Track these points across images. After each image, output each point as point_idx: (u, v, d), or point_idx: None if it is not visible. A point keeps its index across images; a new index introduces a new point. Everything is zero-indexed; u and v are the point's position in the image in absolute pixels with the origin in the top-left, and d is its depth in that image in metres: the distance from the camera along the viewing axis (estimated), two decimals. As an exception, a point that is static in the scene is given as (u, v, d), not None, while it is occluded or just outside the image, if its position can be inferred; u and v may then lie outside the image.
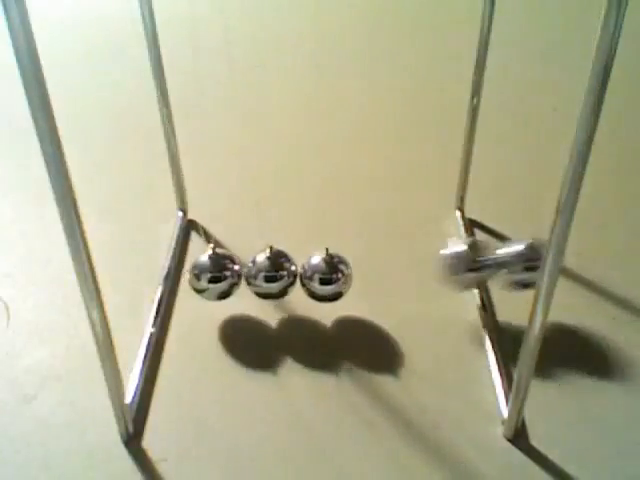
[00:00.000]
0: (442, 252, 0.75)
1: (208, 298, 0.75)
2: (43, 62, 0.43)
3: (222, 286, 0.74)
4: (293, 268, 0.74)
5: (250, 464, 0.62)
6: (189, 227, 0.93)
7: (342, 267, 0.74)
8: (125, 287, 0.82)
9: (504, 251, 0.74)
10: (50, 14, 1.67)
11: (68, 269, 0.52)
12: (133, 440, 0.63)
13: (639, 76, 1.33)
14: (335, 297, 0.74)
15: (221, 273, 0.73)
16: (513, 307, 0.77)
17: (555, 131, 1.13)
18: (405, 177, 1.04)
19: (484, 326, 0.75)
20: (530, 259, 0.72)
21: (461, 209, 0.94)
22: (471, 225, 0.92)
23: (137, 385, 0.68)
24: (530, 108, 1.22)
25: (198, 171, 0.99)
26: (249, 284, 0.74)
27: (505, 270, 0.73)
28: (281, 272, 0.73)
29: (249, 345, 0.74)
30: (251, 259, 0.74)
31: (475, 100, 0.84)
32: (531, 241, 0.74)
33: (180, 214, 0.93)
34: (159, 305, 0.79)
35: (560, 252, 0.50)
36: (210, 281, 0.73)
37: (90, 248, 0.51)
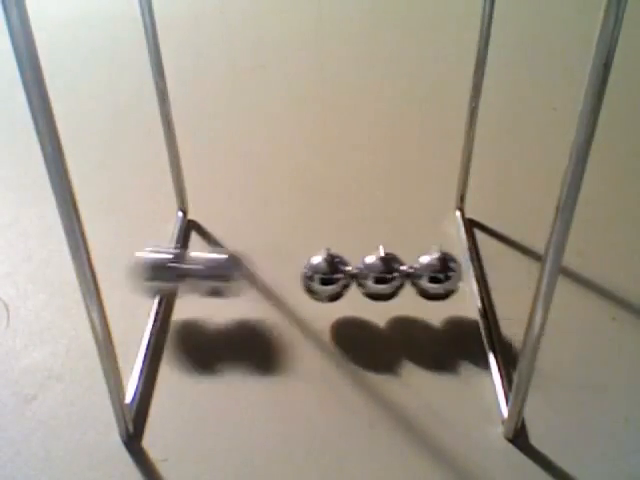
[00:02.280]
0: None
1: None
2: (43, 62, 0.43)
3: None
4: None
5: (250, 464, 0.62)
6: (189, 227, 0.93)
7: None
8: (125, 287, 0.82)
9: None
10: (50, 14, 1.67)
11: (68, 269, 0.52)
12: (133, 440, 0.63)
13: (639, 76, 1.33)
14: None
15: (333, 275, 0.74)
16: (513, 307, 0.77)
17: (555, 131, 1.13)
18: (405, 177, 1.04)
19: (484, 326, 0.75)
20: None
21: (461, 209, 0.94)
22: (471, 225, 0.92)
23: (137, 385, 0.68)
24: (530, 108, 1.22)
25: (198, 171, 0.99)
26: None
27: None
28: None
29: (249, 345, 0.74)
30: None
31: (475, 100, 0.84)
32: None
33: (180, 214, 0.93)
34: (159, 305, 0.79)
35: (560, 252, 0.50)
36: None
37: (90, 248, 0.51)
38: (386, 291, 0.74)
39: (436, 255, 0.74)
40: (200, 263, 0.74)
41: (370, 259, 0.74)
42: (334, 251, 0.75)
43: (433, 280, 0.73)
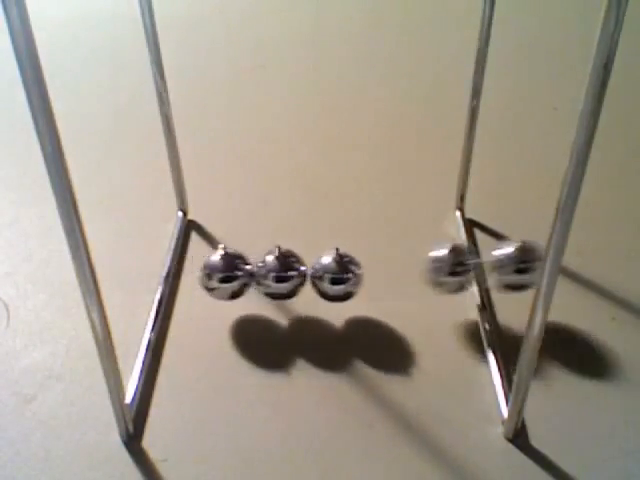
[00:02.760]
0: (428, 255, 0.75)
1: (219, 297, 0.75)
2: (43, 62, 0.43)
3: (234, 286, 0.74)
4: (303, 268, 0.74)
5: (250, 464, 0.62)
6: (189, 227, 0.93)
7: (352, 267, 0.74)
8: (125, 287, 0.82)
9: (491, 254, 0.74)
10: (50, 14, 1.67)
11: (68, 269, 0.52)
12: (133, 440, 0.63)
13: (639, 75, 1.33)
14: (346, 297, 0.74)
15: (233, 273, 0.73)
16: (513, 307, 0.77)
17: (555, 131, 1.13)
18: (405, 177, 1.04)
19: (484, 326, 0.75)
20: (522, 261, 0.72)
21: (461, 209, 0.94)
22: (471, 225, 0.92)
23: (137, 385, 0.68)
24: (530, 108, 1.22)
25: (198, 171, 0.99)
26: (258, 284, 0.74)
27: (493, 273, 0.74)
28: (290, 272, 0.73)
29: (249, 345, 0.74)
30: (260, 259, 0.74)
31: (475, 100, 0.84)
32: (520, 244, 0.74)
33: (180, 214, 0.93)
34: (159, 305, 0.79)
35: (560, 252, 0.50)
36: (222, 281, 0.73)
37: (90, 248, 0.51)
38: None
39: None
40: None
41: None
42: (342, 251, 0.74)
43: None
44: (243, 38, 1.52)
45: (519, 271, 0.72)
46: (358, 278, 0.73)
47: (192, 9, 1.67)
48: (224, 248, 0.74)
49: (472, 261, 0.74)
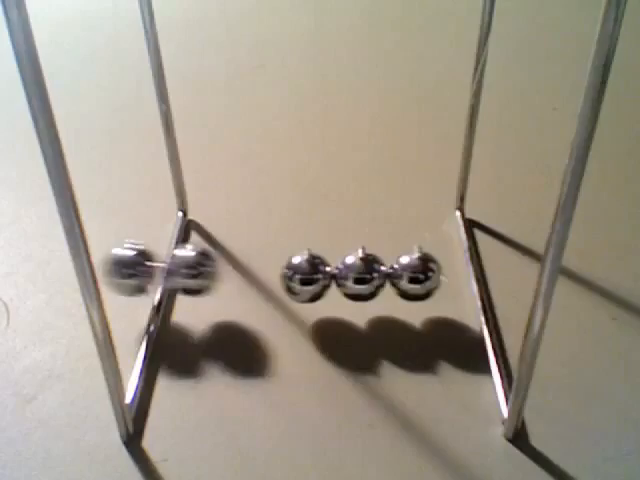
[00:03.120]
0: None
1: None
2: (43, 62, 0.43)
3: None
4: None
5: (250, 464, 0.62)
6: (189, 227, 0.93)
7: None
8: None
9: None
10: (50, 14, 1.67)
11: (68, 269, 0.52)
12: (133, 440, 0.63)
13: (639, 75, 1.33)
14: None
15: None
16: (513, 307, 0.77)
17: (555, 130, 1.13)
18: (405, 177, 1.04)
19: (484, 326, 0.75)
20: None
21: (461, 209, 0.94)
22: (471, 225, 0.92)
23: (137, 385, 0.68)
24: (530, 108, 1.22)
25: (198, 171, 0.99)
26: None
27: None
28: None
29: (249, 345, 0.74)
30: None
31: (475, 100, 0.84)
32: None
33: (180, 214, 0.93)
34: (159, 305, 0.79)
35: (560, 252, 0.50)
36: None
37: (90, 248, 0.51)
38: (365, 291, 0.74)
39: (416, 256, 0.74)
40: (172, 260, 0.74)
41: (350, 259, 0.74)
42: (316, 251, 0.74)
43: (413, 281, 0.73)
44: (243, 38, 1.52)
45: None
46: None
47: (192, 9, 1.67)
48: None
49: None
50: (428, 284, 0.73)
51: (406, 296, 0.74)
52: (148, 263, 0.73)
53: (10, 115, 1.23)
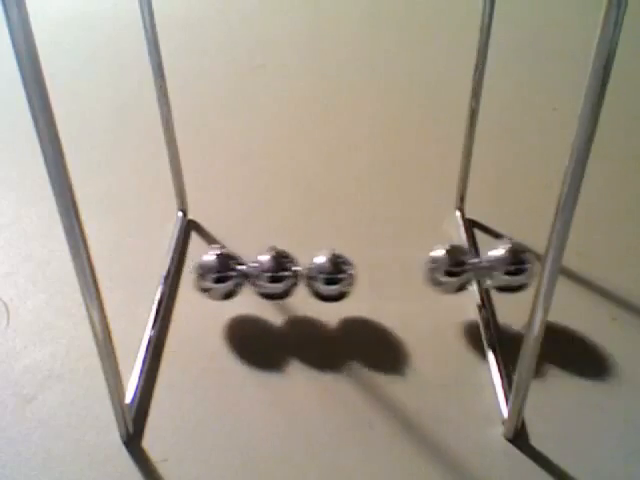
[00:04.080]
0: (428, 255, 0.75)
1: (213, 298, 0.75)
2: (43, 62, 0.43)
3: (228, 286, 0.73)
4: (296, 268, 0.74)
5: (250, 464, 0.62)
6: (189, 227, 0.93)
7: (346, 267, 0.73)
8: (125, 287, 0.82)
9: (486, 256, 0.74)
10: (50, 14, 1.67)
11: (68, 269, 0.52)
12: (133, 440, 0.63)
13: (639, 75, 1.33)
14: (340, 297, 0.74)
15: (226, 273, 0.73)
16: (513, 307, 0.77)
17: (555, 131, 1.13)
18: (405, 177, 1.04)
19: (484, 326, 0.75)
20: (512, 263, 0.72)
21: (461, 209, 0.94)
22: (471, 225, 0.92)
23: (137, 385, 0.68)
24: (530, 108, 1.22)
25: (198, 171, 0.99)
26: (253, 284, 0.74)
27: (489, 274, 0.73)
28: (284, 272, 0.73)
29: (249, 345, 0.74)
30: (254, 259, 0.74)
31: (475, 100, 0.84)
32: (511, 245, 0.74)
33: (180, 214, 0.93)
34: (159, 305, 0.79)
35: (560, 252, 0.50)
36: (216, 281, 0.73)
37: (90, 248, 0.51)
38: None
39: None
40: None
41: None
42: (335, 250, 0.74)
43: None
44: (243, 38, 1.52)
45: (510, 273, 0.72)
46: (351, 278, 0.74)
47: (192, 9, 1.67)
48: (220, 248, 0.74)
49: (471, 261, 0.74)
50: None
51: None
52: (238, 267, 0.74)
53: (10, 115, 1.23)
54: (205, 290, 0.74)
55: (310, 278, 0.73)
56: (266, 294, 0.74)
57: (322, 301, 0.75)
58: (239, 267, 0.74)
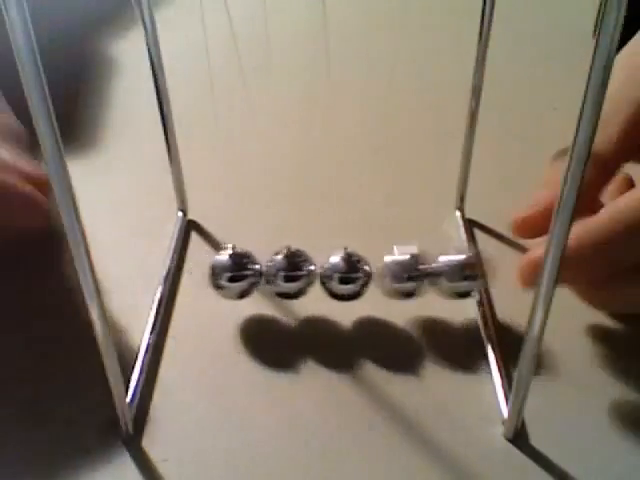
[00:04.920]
0: (385, 259, 0.74)
1: (228, 297, 0.75)
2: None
3: (242, 285, 0.73)
4: (312, 267, 0.74)
5: (251, 464, 0.62)
6: (189, 227, 0.93)
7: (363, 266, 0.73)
8: (125, 287, 0.82)
9: (443, 261, 0.73)
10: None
11: (68, 269, 0.52)
12: (133, 440, 0.63)
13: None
14: (355, 296, 0.74)
15: (241, 272, 0.73)
16: (513, 307, 0.77)
17: (555, 130, 1.12)
18: (405, 177, 1.04)
19: (484, 326, 0.75)
20: (467, 269, 0.72)
21: (461, 209, 0.94)
22: (471, 225, 0.92)
23: (137, 385, 0.68)
24: (530, 108, 1.22)
25: (198, 171, 0.99)
26: (268, 283, 0.74)
27: (442, 279, 0.73)
28: (299, 272, 0.72)
29: (248, 345, 0.74)
30: (269, 258, 0.74)
31: (475, 100, 0.84)
32: (469, 253, 0.74)
33: (180, 214, 0.93)
34: (159, 305, 0.79)
35: (560, 252, 0.50)
36: (230, 280, 0.73)
37: (90, 248, 0.51)
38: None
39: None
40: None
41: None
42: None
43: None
44: (243, 38, 1.52)
45: (466, 278, 0.72)
46: (368, 277, 0.73)
47: (192, 9, 1.67)
48: (233, 247, 0.74)
49: (423, 267, 0.73)
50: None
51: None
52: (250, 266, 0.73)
53: (10, 115, 1.23)
54: (220, 288, 0.74)
55: (325, 277, 0.73)
56: (281, 293, 0.74)
57: (338, 300, 0.74)
58: (254, 266, 0.74)
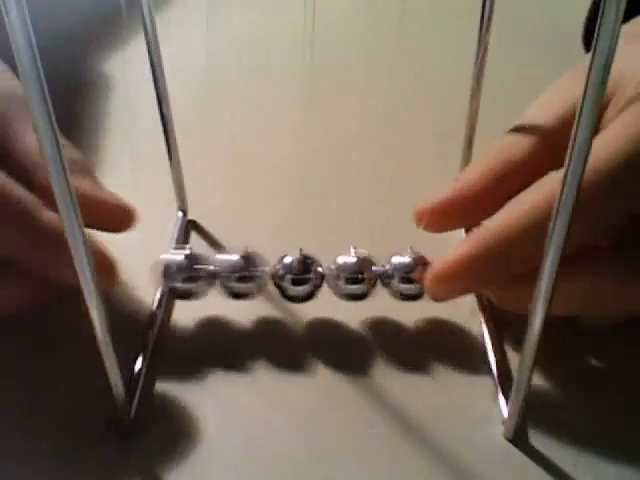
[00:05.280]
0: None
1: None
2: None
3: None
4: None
5: (251, 464, 0.62)
6: (189, 227, 0.93)
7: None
8: (125, 287, 0.82)
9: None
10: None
11: (68, 269, 0.52)
12: (133, 440, 0.63)
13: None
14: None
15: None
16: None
17: (555, 131, 1.12)
18: (404, 177, 1.04)
19: (484, 326, 0.75)
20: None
21: (461, 209, 0.93)
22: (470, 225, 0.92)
23: (137, 385, 0.68)
24: (530, 108, 1.22)
25: (198, 171, 0.99)
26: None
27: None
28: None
29: (248, 345, 0.74)
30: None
31: (475, 100, 0.84)
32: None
33: (180, 214, 0.93)
34: (159, 305, 0.79)
35: (560, 252, 0.50)
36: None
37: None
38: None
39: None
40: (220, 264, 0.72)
41: (342, 259, 0.72)
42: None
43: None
44: (244, 38, 1.52)
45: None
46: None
47: (192, 9, 1.67)
48: (190, 249, 0.73)
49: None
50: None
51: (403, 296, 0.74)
52: (196, 266, 0.72)
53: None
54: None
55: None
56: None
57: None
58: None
